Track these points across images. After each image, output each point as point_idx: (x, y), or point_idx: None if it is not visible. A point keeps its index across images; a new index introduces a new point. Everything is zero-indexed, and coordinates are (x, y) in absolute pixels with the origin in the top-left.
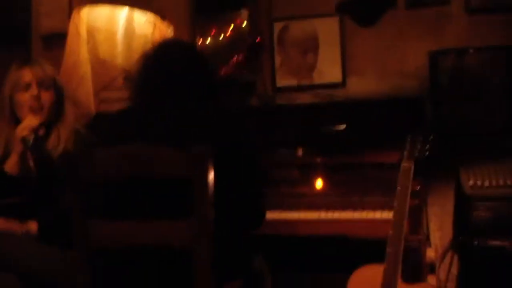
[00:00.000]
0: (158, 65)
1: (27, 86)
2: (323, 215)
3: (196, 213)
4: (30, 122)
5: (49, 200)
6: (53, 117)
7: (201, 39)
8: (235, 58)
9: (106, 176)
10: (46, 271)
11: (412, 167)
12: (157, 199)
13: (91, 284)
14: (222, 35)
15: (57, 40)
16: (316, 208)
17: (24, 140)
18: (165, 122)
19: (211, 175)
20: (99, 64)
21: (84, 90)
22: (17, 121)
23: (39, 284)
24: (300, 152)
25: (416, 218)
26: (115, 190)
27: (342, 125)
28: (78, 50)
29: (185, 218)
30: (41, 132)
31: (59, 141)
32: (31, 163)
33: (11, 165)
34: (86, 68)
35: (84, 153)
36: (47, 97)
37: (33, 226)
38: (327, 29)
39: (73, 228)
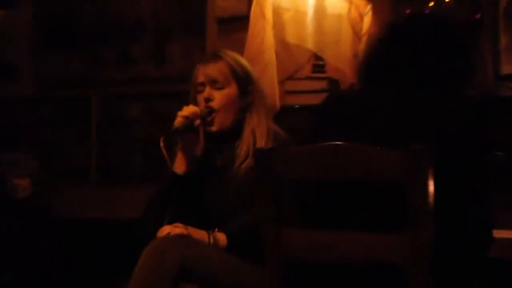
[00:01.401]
0: (389, 46)
1: (202, 86)
2: None
3: (411, 225)
4: (186, 109)
5: (237, 211)
6: (241, 119)
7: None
8: None
9: (303, 177)
10: (235, 285)
11: None
12: (362, 206)
13: None
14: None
15: (234, 23)
16: None
17: (173, 130)
18: (387, 112)
19: (432, 180)
20: (286, 50)
21: (268, 79)
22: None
23: None
24: None
25: None
26: (313, 194)
27: None
28: (263, 34)
29: (396, 231)
30: (197, 122)
31: (256, 146)
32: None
33: (178, 163)
34: (271, 54)
35: (280, 150)
36: (220, 96)
37: (221, 236)
38: None
39: (264, 238)
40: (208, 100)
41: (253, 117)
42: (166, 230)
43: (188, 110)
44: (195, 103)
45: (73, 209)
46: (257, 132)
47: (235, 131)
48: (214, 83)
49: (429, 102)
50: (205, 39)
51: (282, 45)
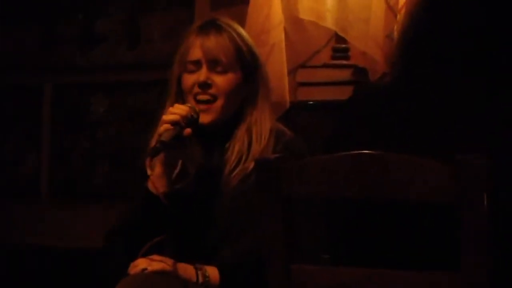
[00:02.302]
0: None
1: (196, 65)
2: None
3: (464, 261)
4: (174, 111)
5: (229, 234)
6: (238, 113)
7: None
8: None
9: (320, 196)
10: None
11: None
12: (398, 235)
13: None
14: None
15: None
16: None
17: (159, 141)
18: (431, 112)
19: (489, 201)
20: (298, 28)
21: (275, 67)
22: None
23: None
24: None
25: None
26: (334, 218)
27: None
28: (268, 8)
29: (444, 268)
30: (187, 131)
31: (249, 154)
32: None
33: (154, 178)
34: (278, 35)
35: (290, 159)
36: (222, 82)
37: (212, 271)
38: None
39: (269, 275)
40: (205, 85)
41: (253, 112)
42: (141, 264)
43: (175, 113)
44: (176, 87)
45: (18, 234)
46: (254, 131)
47: (228, 128)
48: (214, 64)
49: (489, 99)
50: (193, 13)
51: (294, 22)
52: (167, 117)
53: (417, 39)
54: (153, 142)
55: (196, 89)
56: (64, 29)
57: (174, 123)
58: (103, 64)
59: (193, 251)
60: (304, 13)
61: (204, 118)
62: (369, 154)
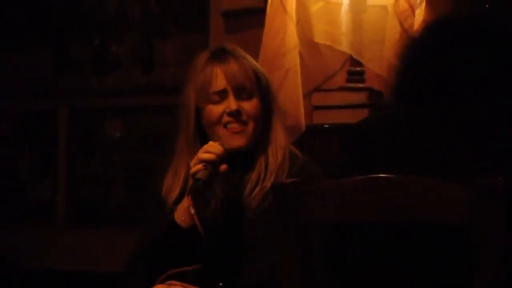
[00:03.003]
0: (433, 53)
1: (221, 95)
2: None
3: (477, 283)
4: (210, 150)
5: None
6: (259, 138)
7: None
8: None
9: (339, 222)
10: None
11: None
12: (414, 259)
13: None
14: None
15: (246, 18)
16: None
17: (195, 180)
18: (440, 136)
19: (507, 227)
20: (313, 52)
21: (291, 90)
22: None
23: None
24: None
25: None
26: (351, 244)
27: None
28: (283, 32)
29: None
30: (222, 168)
31: (266, 172)
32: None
33: (180, 213)
34: (294, 58)
35: (307, 186)
36: (251, 108)
37: None
38: None
39: None
40: (237, 113)
41: (269, 133)
42: None
43: (212, 152)
44: (195, 120)
45: (34, 259)
46: (270, 150)
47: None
48: (240, 91)
49: (495, 122)
50: (208, 37)
51: (309, 46)
52: (203, 156)
53: (420, 64)
54: (166, 168)
55: (226, 119)
56: (79, 52)
57: (211, 162)
58: (117, 88)
59: (208, 277)
60: (319, 37)
61: (239, 142)
62: (387, 177)
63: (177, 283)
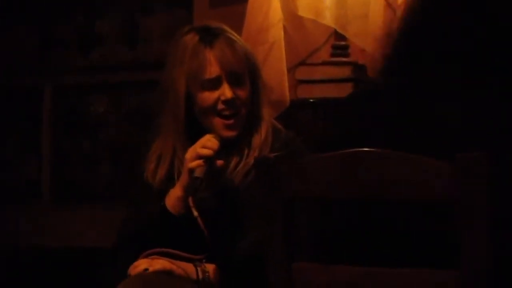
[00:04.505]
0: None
1: (214, 82)
2: None
3: (463, 260)
4: (207, 145)
5: (230, 232)
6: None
7: None
8: None
9: (321, 196)
10: None
11: None
12: (399, 234)
13: None
14: None
15: None
16: None
17: (193, 178)
18: (434, 113)
19: (490, 200)
20: (297, 25)
21: (275, 65)
22: (196, 130)
23: None
24: None
25: None
26: (334, 217)
27: None
28: (268, 5)
29: (443, 267)
30: (219, 163)
31: (250, 148)
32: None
33: (172, 201)
34: (277, 33)
35: (290, 161)
36: (244, 95)
37: (211, 267)
38: None
39: (271, 275)
40: (232, 102)
41: (252, 111)
42: (142, 265)
43: (209, 147)
44: (185, 107)
45: (20, 236)
46: (254, 128)
47: None
48: (233, 78)
49: (490, 98)
50: (192, 12)
51: (293, 20)
52: (202, 151)
53: (415, 35)
54: (153, 153)
55: (221, 106)
56: (63, 29)
57: (208, 158)
58: (102, 65)
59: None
60: (303, 11)
61: (230, 133)
62: (367, 151)
63: (158, 257)
